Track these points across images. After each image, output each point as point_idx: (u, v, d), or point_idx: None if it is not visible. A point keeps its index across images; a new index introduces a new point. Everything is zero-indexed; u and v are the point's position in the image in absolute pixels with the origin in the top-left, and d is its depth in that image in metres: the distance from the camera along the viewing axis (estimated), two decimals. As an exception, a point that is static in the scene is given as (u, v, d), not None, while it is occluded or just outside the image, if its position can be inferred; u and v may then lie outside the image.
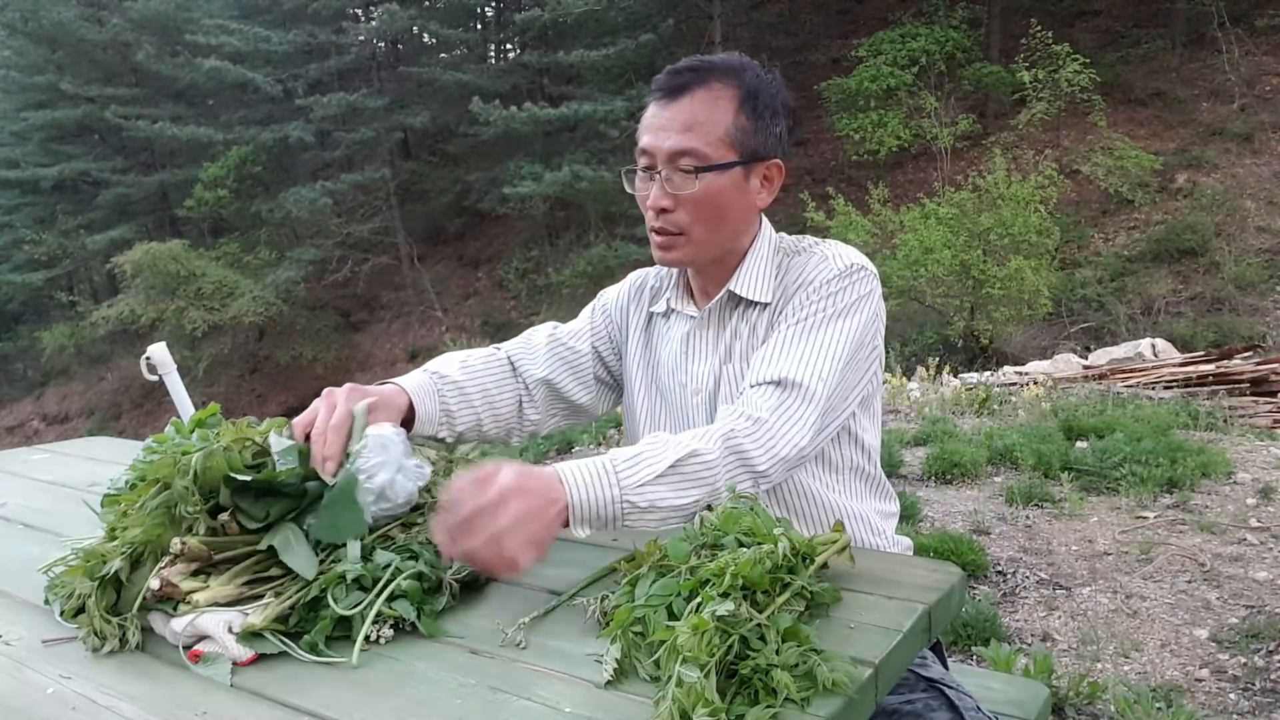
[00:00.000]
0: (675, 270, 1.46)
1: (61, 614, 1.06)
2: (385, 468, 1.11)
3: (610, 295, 1.56)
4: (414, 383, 1.35)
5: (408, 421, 1.31)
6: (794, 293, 1.31)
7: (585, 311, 1.57)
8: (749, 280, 1.35)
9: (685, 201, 1.28)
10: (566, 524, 1.05)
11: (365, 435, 1.14)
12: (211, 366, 19.60)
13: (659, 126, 1.28)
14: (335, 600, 1.00)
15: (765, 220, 1.40)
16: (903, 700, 1.24)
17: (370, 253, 20.82)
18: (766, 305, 1.34)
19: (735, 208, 1.31)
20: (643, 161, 1.31)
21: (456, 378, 1.40)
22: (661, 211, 1.29)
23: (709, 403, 1.36)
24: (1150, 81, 15.95)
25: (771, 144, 1.31)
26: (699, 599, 0.87)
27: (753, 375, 1.24)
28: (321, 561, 1.05)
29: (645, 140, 1.30)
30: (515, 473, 1.01)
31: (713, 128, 1.26)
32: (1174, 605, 3.02)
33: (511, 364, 1.49)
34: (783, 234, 1.41)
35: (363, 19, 22.58)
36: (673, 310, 1.44)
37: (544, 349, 1.50)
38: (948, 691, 1.25)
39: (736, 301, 1.36)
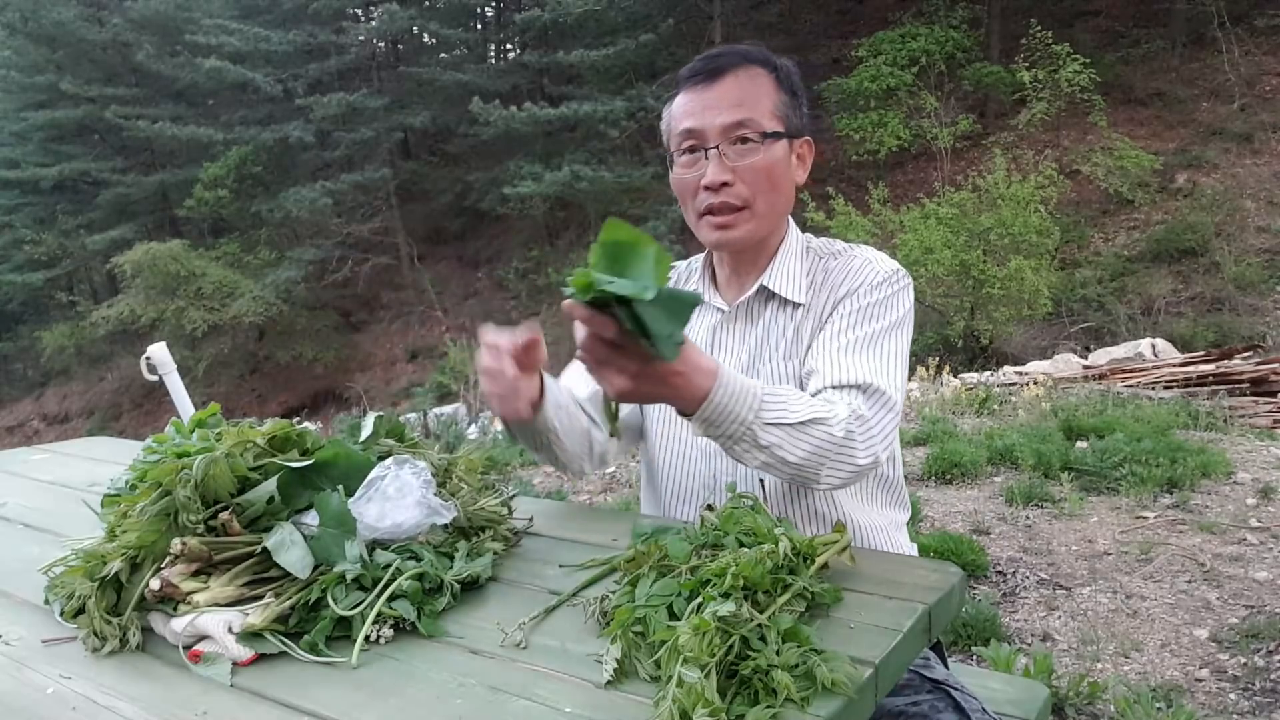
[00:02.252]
0: (699, 263, 1.47)
1: (62, 614, 1.06)
2: (375, 502, 1.10)
3: None
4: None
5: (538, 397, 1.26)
6: (842, 296, 1.31)
7: None
8: (782, 277, 1.35)
9: (745, 172, 1.28)
10: (684, 412, 1.04)
11: (388, 472, 1.12)
12: (211, 366, 19.59)
13: (705, 106, 1.29)
14: (335, 600, 1.00)
15: (790, 218, 1.42)
16: (909, 702, 1.24)
17: (370, 253, 20.82)
18: (800, 305, 1.34)
19: (786, 180, 1.33)
20: (687, 144, 1.31)
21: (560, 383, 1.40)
22: (722, 186, 1.29)
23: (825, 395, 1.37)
24: (1150, 81, 15.94)
25: (804, 123, 1.35)
26: (700, 599, 0.87)
27: (829, 376, 1.22)
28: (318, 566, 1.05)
29: (689, 123, 1.29)
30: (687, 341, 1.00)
31: (762, 101, 1.29)
32: (1174, 605, 3.02)
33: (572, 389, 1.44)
34: (809, 234, 1.43)
35: (363, 19, 22.58)
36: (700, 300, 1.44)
37: (579, 376, 1.46)
38: (954, 693, 1.25)
39: (768, 297, 1.36)
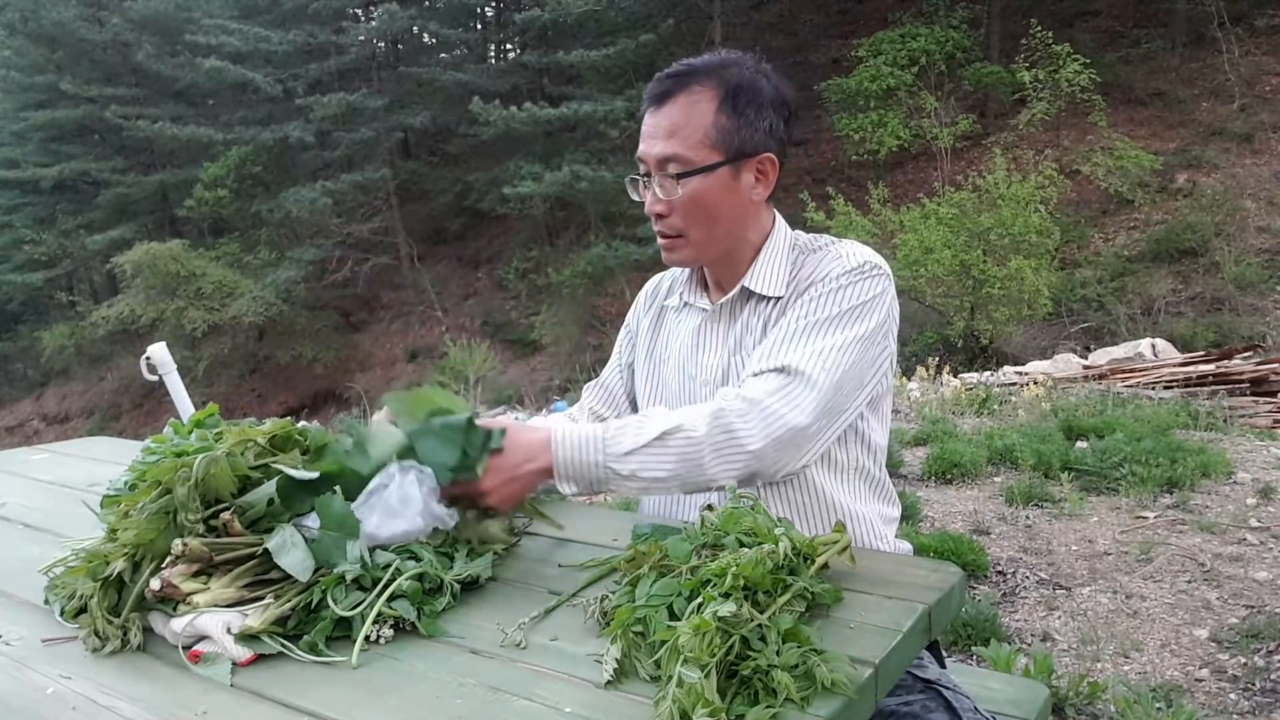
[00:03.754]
0: None
1: (62, 614, 1.06)
2: (377, 511, 1.09)
3: (630, 313, 1.61)
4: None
5: None
6: (807, 286, 1.32)
7: (618, 338, 1.63)
8: (763, 277, 1.36)
9: (676, 205, 1.31)
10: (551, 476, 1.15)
11: (391, 481, 1.12)
12: (211, 366, 19.59)
13: (648, 134, 1.32)
14: (335, 601, 0.99)
15: (779, 218, 1.42)
16: (900, 702, 1.24)
17: (370, 253, 20.82)
18: (779, 300, 1.35)
19: (726, 206, 1.32)
20: (641, 169, 1.34)
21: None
22: (659, 216, 1.33)
23: (716, 394, 1.37)
24: (1150, 81, 15.94)
25: (759, 139, 1.31)
26: (700, 599, 0.87)
27: (756, 363, 1.25)
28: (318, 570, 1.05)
29: (640, 147, 1.33)
30: (508, 425, 1.15)
31: (693, 131, 1.28)
32: (1174, 605, 3.02)
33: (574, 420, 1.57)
34: (799, 232, 1.43)
35: (363, 19, 22.57)
36: (686, 303, 1.47)
37: (585, 398, 1.61)
38: (945, 692, 1.25)
39: (748, 296, 1.38)
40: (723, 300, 1.39)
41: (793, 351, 1.23)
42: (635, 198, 1.37)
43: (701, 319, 1.42)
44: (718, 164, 1.29)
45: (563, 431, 1.16)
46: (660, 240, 1.36)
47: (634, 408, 1.57)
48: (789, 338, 1.26)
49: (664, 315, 1.52)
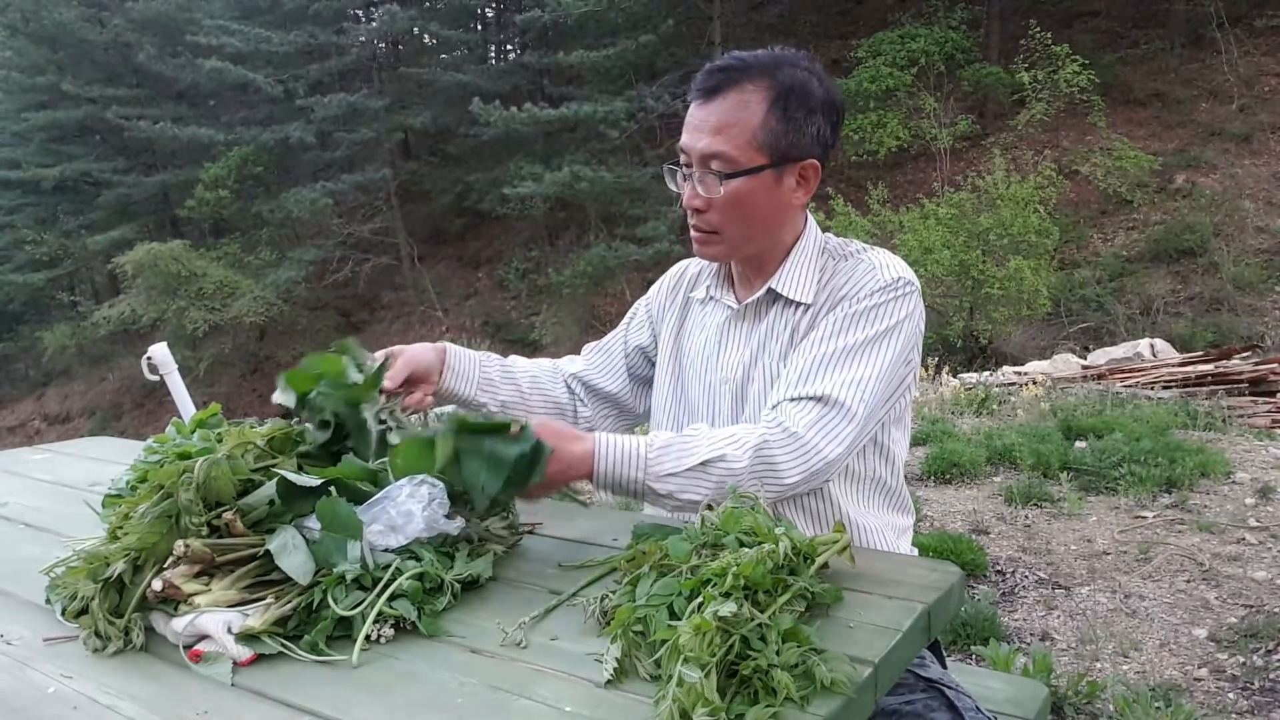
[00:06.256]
0: None
1: (63, 614, 1.06)
2: (379, 521, 1.09)
3: (651, 292, 1.60)
4: (457, 346, 1.47)
5: (426, 373, 1.41)
6: (839, 299, 1.31)
7: (629, 312, 1.63)
8: (791, 279, 1.35)
9: (716, 203, 1.30)
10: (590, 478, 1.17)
11: (400, 493, 1.12)
12: (212, 366, 19.59)
13: (694, 127, 1.30)
14: (335, 600, 1.00)
15: (811, 219, 1.41)
16: (902, 701, 1.24)
17: (370, 253, 20.82)
18: (808, 307, 1.34)
19: (766, 209, 1.31)
20: (682, 159, 1.33)
21: (504, 360, 1.52)
22: (696, 211, 1.32)
23: (735, 392, 1.38)
24: (1150, 82, 15.94)
25: (805, 144, 1.30)
26: (700, 599, 0.87)
27: (793, 388, 1.25)
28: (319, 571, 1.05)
29: (682, 139, 1.32)
30: (554, 436, 1.13)
31: (741, 131, 1.26)
32: (1173, 605, 3.02)
33: (557, 366, 1.59)
34: (829, 235, 1.42)
35: (363, 20, 22.56)
36: (712, 298, 1.47)
37: (582, 355, 1.61)
38: (947, 692, 1.25)
39: (775, 298, 1.37)
40: (749, 300, 1.38)
41: (829, 379, 1.23)
42: (673, 188, 1.36)
43: (726, 316, 1.42)
44: (762, 167, 1.27)
45: (606, 444, 1.16)
46: (694, 234, 1.35)
47: (644, 387, 1.59)
48: (824, 361, 1.25)
49: (689, 307, 1.51)
